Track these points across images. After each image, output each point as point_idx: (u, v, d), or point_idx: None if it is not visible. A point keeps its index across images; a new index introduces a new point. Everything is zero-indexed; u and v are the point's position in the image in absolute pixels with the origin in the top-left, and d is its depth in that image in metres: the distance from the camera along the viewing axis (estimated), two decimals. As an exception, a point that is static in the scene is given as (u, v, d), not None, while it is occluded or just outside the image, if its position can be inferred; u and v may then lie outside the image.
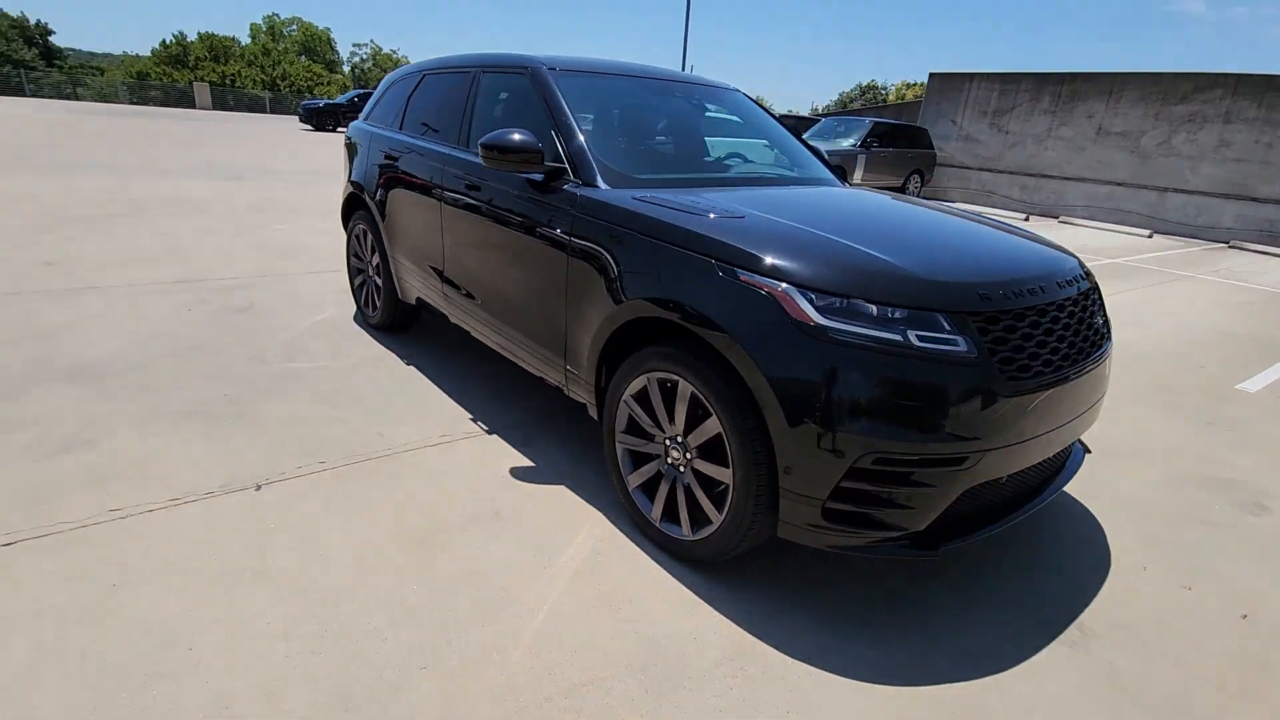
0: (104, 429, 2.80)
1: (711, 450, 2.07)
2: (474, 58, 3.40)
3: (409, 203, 3.54)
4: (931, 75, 17.04)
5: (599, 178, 2.52)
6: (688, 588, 2.15)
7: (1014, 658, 1.96)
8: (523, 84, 2.96)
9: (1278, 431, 3.75)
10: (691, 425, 2.12)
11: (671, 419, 2.18)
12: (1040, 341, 1.97)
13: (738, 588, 2.16)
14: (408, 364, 3.75)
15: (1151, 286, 7.79)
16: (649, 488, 2.34)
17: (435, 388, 3.49)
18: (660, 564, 2.25)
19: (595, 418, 2.54)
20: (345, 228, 4.40)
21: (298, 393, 3.29)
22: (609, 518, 2.48)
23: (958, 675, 1.88)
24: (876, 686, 1.82)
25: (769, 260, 1.91)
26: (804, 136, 14.48)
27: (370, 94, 7.14)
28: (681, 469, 2.20)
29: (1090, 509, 2.80)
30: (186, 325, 4.05)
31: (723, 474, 2.03)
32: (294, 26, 65.91)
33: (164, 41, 53.53)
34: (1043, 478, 2.28)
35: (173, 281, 4.89)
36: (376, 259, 3.98)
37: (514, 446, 2.96)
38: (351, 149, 4.27)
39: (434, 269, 3.40)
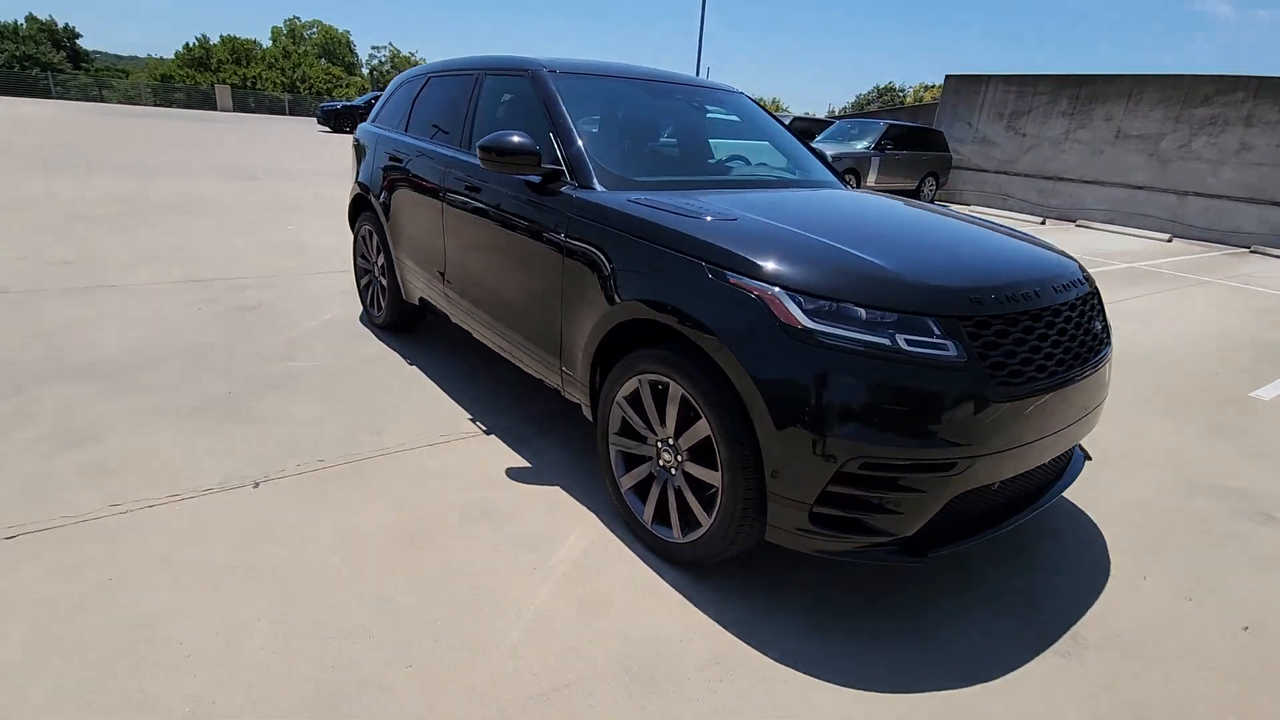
0: (109, 425, 2.85)
1: (701, 453, 2.07)
2: (477, 60, 3.42)
3: (412, 204, 3.56)
4: (948, 77, 16.90)
5: (595, 180, 2.53)
6: (677, 590, 2.15)
7: (1004, 666, 1.94)
8: (524, 86, 2.97)
9: (1291, 440, 3.68)
10: (682, 428, 2.12)
11: (663, 421, 2.18)
12: (1034, 347, 1.95)
13: (727, 591, 2.16)
14: (410, 364, 3.78)
15: (1167, 292, 7.67)
16: (641, 489, 2.34)
17: (437, 388, 3.51)
18: (651, 566, 2.25)
19: (590, 419, 2.55)
20: (352, 228, 4.44)
21: (300, 391, 3.32)
22: (602, 519, 2.48)
23: (945, 683, 1.86)
24: (862, 692, 1.80)
25: (758, 263, 1.91)
26: (817, 139, 14.50)
27: (382, 96, 7.19)
28: (673, 471, 2.20)
29: (1093, 516, 2.76)
30: (195, 324, 4.11)
31: (712, 477, 2.03)
32: (314, 29, 66.71)
33: (187, 45, 54.42)
34: (1039, 483, 2.25)
35: (184, 280, 4.96)
36: (382, 259, 4.01)
37: (511, 447, 2.97)
38: (359, 150, 4.32)
39: (436, 269, 3.42)
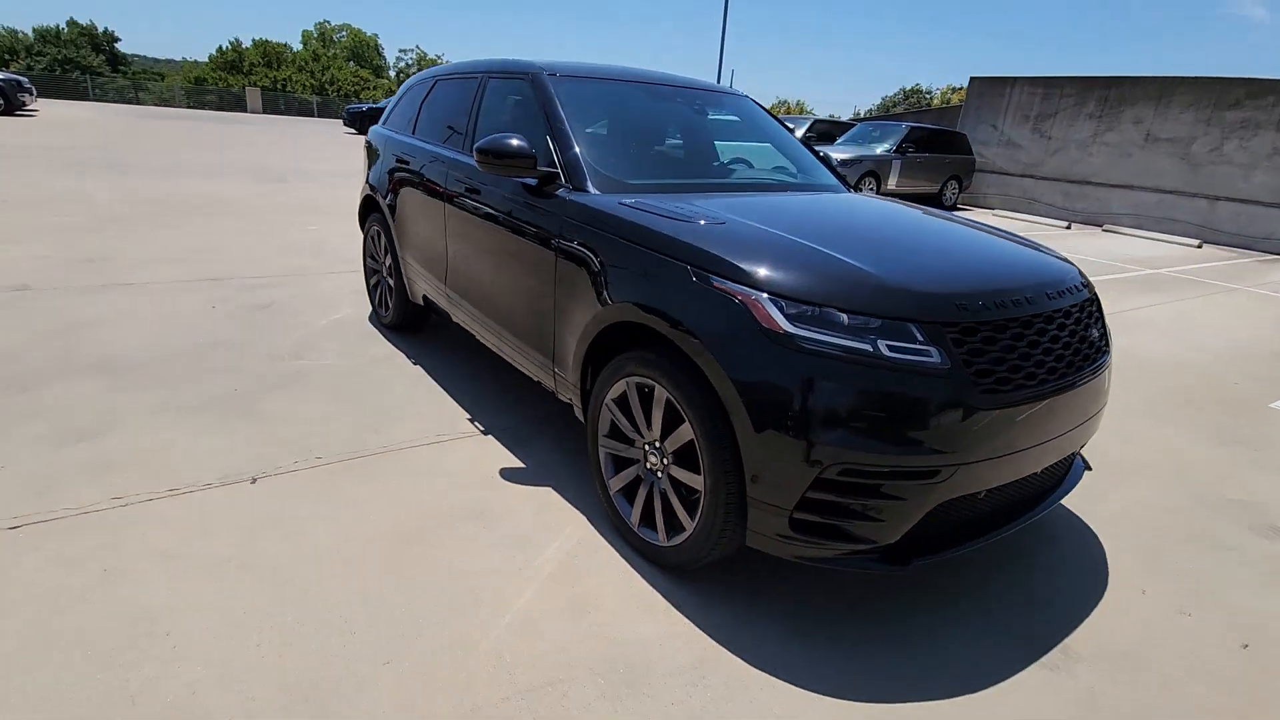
0: (116, 420, 2.92)
1: (685, 457, 2.07)
2: (482, 63, 3.45)
3: (416, 205, 3.61)
4: (972, 79, 16.68)
5: (589, 183, 2.54)
6: (661, 593, 2.15)
7: (990, 678, 1.91)
8: (525, 89, 3.00)
9: (1310, 453, 3.57)
10: (667, 431, 2.12)
11: (649, 424, 2.18)
12: (1023, 354, 1.92)
13: (711, 595, 2.15)
14: (414, 363, 3.82)
15: (1193, 299, 7.48)
16: (629, 492, 2.34)
17: (439, 388, 3.54)
18: (636, 569, 2.25)
19: (582, 421, 2.56)
20: (362, 229, 4.51)
21: (305, 389, 3.37)
22: (591, 521, 2.49)
23: (928, 693, 1.84)
24: (840, 701, 1.79)
25: (741, 267, 1.90)
26: (838, 141, 14.39)
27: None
28: (659, 474, 2.20)
29: (1094, 526, 2.71)
30: (208, 322, 4.20)
31: (695, 480, 2.02)
32: (344, 33, 67.76)
33: (220, 48, 55.55)
34: (1034, 491, 2.22)
35: (201, 279, 5.07)
36: (389, 260, 4.07)
37: (508, 448, 2.99)
38: (370, 152, 4.38)
39: (438, 270, 3.46)
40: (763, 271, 1.88)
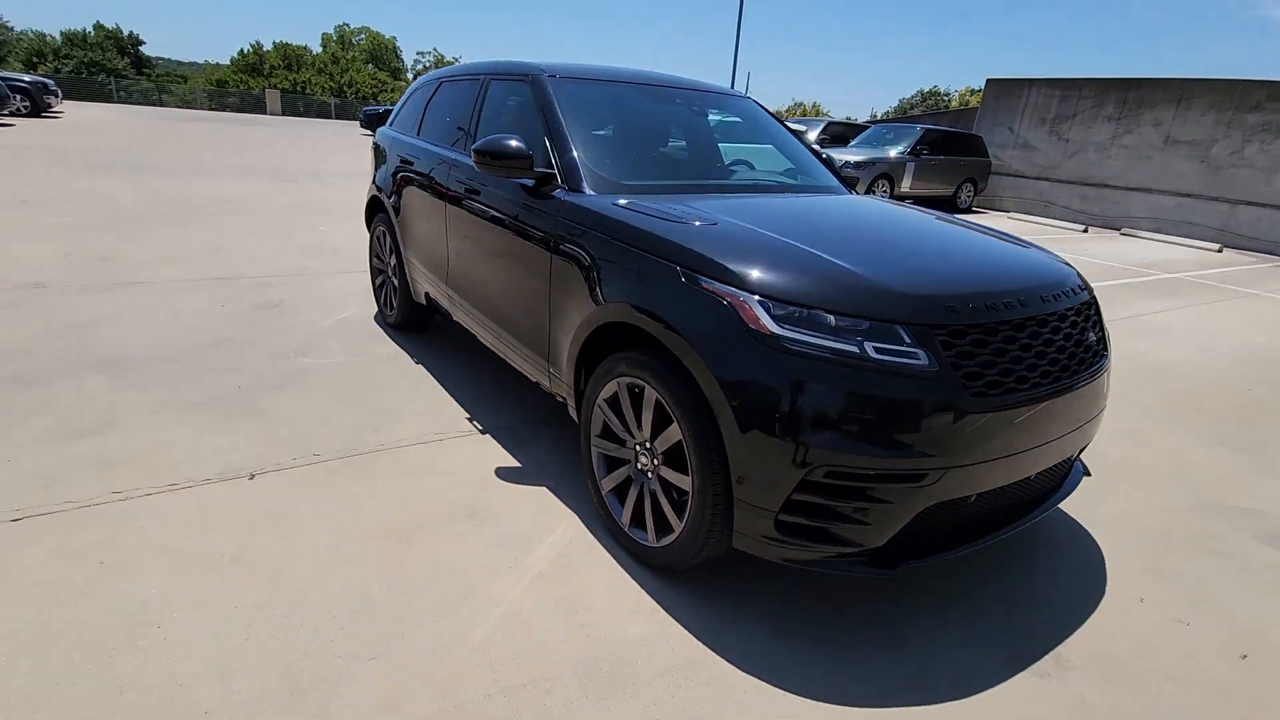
0: (120, 417, 2.97)
1: (674, 457, 2.06)
2: (485, 65, 3.48)
3: (419, 205, 3.64)
4: (988, 81, 16.54)
5: (585, 184, 2.55)
6: (649, 594, 2.15)
7: (977, 684, 1.89)
8: (525, 91, 3.01)
9: (1322, 461, 3.50)
10: (657, 431, 2.12)
11: (640, 425, 2.18)
12: (1015, 357, 1.90)
13: (700, 596, 2.15)
14: (417, 363, 3.85)
15: (1210, 304, 7.36)
16: (620, 492, 2.35)
17: (440, 387, 3.57)
18: (626, 569, 2.25)
19: (577, 421, 2.57)
20: (369, 229, 4.55)
21: (307, 388, 3.41)
22: (584, 521, 2.49)
23: (913, 698, 1.82)
24: (823, 705, 1.78)
25: (730, 268, 1.90)
26: (852, 143, 14.31)
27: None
28: (649, 475, 2.20)
29: (1097, 532, 2.68)
30: (216, 320, 4.25)
31: (684, 481, 2.02)
32: (362, 36, 68.39)
33: (242, 51, 56.26)
34: (1028, 496, 2.19)
35: (211, 279, 5.14)
36: (394, 260, 4.10)
37: (505, 447, 3.00)
38: (378, 154, 4.42)
39: (439, 269, 3.48)
40: (751, 272, 1.88)
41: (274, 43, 56.36)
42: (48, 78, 23.23)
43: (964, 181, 14.69)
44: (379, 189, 4.15)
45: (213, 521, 2.33)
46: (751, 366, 1.79)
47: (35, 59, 52.09)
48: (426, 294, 3.78)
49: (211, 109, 41.63)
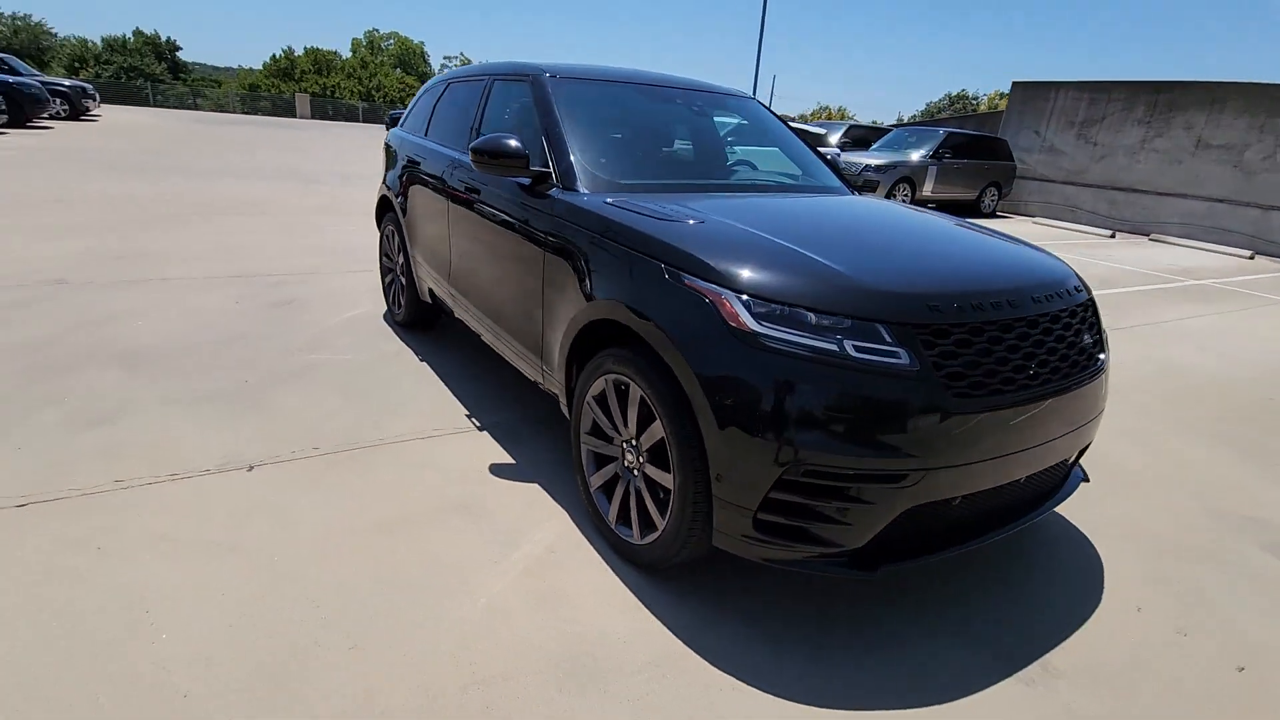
0: (130, 408, 3.04)
1: (658, 455, 2.07)
2: (489, 67, 3.52)
3: (424, 204, 3.69)
4: (1015, 84, 16.29)
5: (580, 183, 2.56)
6: (633, 591, 2.15)
7: (959, 690, 1.86)
8: (526, 91, 3.04)
9: (1343, 473, 3.39)
10: (642, 428, 2.12)
11: (625, 422, 2.19)
12: (1001, 358, 1.87)
13: (684, 595, 2.14)
14: (422, 360, 3.89)
15: (1238, 311, 7.17)
16: (608, 489, 2.35)
17: (442, 384, 3.60)
18: (611, 566, 2.26)
19: (568, 417, 2.58)
20: (379, 228, 4.62)
21: (312, 383, 3.47)
22: (573, 518, 2.50)
23: (891, 702, 1.80)
24: (798, 706, 1.76)
25: (712, 264, 1.90)
26: (873, 147, 14.18)
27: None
28: (635, 472, 2.20)
29: (1099, 539, 2.62)
30: (231, 317, 4.34)
31: (666, 479, 2.02)
32: (391, 41, 69.41)
33: (274, 56, 57.46)
34: (1021, 500, 2.15)
35: (229, 276, 5.24)
36: (402, 258, 4.16)
37: (501, 444, 3.02)
38: (389, 154, 4.49)
39: (442, 267, 3.53)
40: (732, 269, 1.87)
41: (305, 48, 57.45)
42: (87, 82, 23.89)
43: (988, 186, 14.48)
44: (388, 189, 4.22)
45: (210, 511, 2.38)
46: (731, 363, 1.78)
47: (77, 64, 53.67)
48: (431, 292, 3.82)
49: (244, 112, 42.52)
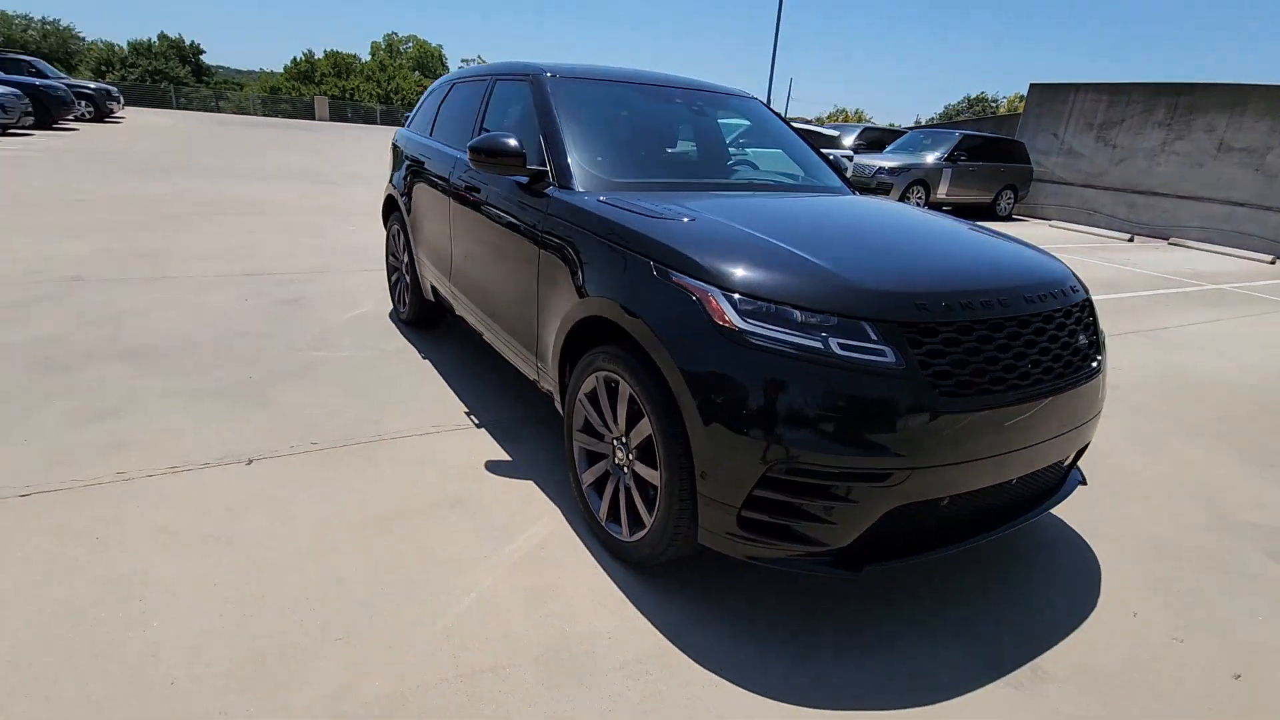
0: (135, 402, 3.09)
1: (646, 452, 2.07)
2: (492, 67, 3.54)
3: (427, 203, 3.72)
4: (1032, 86, 16.12)
5: (575, 181, 2.57)
6: (621, 588, 2.15)
7: (946, 692, 1.84)
8: (525, 91, 3.06)
9: (1356, 480, 3.32)
10: (631, 426, 2.12)
11: (615, 419, 2.19)
12: (991, 357, 1.85)
13: (671, 592, 2.14)
14: (424, 358, 3.92)
15: (1256, 316, 7.04)
16: (600, 486, 2.36)
17: (443, 382, 3.63)
18: (601, 563, 2.26)
19: (562, 414, 2.59)
20: (386, 228, 4.66)
21: (315, 379, 3.50)
22: (566, 515, 2.51)
23: (874, 702, 1.79)
24: (780, 704, 1.76)
25: (699, 262, 1.90)
26: (887, 149, 14.08)
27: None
28: (625, 470, 2.20)
29: (1099, 542, 2.59)
30: (239, 314, 4.40)
31: (654, 476, 2.02)
32: (410, 44, 69.98)
33: (294, 59, 58.17)
34: (1014, 502, 2.13)
35: (239, 274, 5.32)
36: (407, 257, 4.19)
37: (498, 441, 3.04)
38: (396, 154, 4.53)
39: (444, 265, 3.55)
40: (720, 267, 1.87)
41: (325, 51, 58.06)
42: (111, 85, 24.31)
43: (1004, 188, 14.34)
44: (394, 188, 4.26)
45: (208, 504, 2.41)
46: (716, 360, 1.78)
47: (104, 67, 54.69)
48: (434, 290, 3.85)
49: (265, 115, 43.07)
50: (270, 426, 2.98)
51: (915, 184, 12.85)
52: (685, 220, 2.20)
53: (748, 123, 3.49)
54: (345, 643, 1.84)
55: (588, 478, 2.39)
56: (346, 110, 45.33)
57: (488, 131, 3.28)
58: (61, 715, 1.57)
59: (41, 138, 14.44)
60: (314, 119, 40.87)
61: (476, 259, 3.16)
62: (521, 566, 2.22)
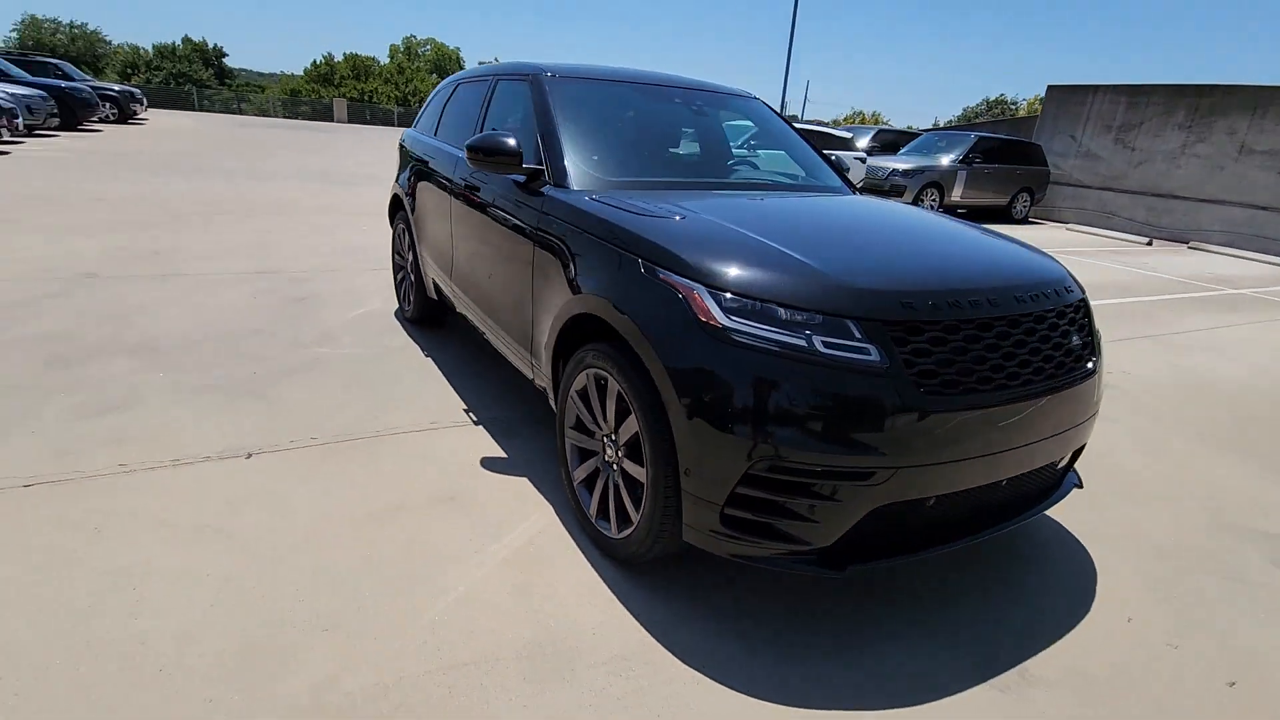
0: (141, 396, 3.15)
1: (634, 449, 2.07)
2: (495, 67, 3.57)
3: (430, 202, 3.75)
4: (1050, 88, 15.96)
5: (570, 179, 2.59)
6: (609, 585, 2.15)
7: (931, 693, 1.83)
8: (526, 90, 3.08)
9: (1368, 487, 3.25)
10: (619, 423, 2.13)
11: (605, 416, 2.20)
12: (978, 356, 1.84)
13: (658, 589, 2.14)
14: (427, 356, 3.96)
15: (1275, 321, 6.92)
16: (590, 483, 2.36)
17: (444, 379, 3.66)
18: (590, 560, 2.27)
19: (555, 411, 2.60)
20: (392, 227, 4.71)
21: (317, 376, 3.54)
22: (558, 512, 2.52)
23: (858, 702, 1.78)
24: (763, 703, 1.75)
25: (685, 259, 1.91)
26: (901, 151, 13.99)
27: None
28: (614, 466, 2.21)
29: (1098, 546, 2.56)
30: (247, 312, 4.46)
31: (640, 473, 2.03)
32: (428, 47, 70.56)
33: (314, 62, 58.80)
34: (1006, 503, 2.11)
35: (249, 272, 5.39)
36: (412, 255, 4.23)
37: (495, 438, 3.06)
38: (403, 155, 4.57)
39: (445, 264, 3.58)
40: (705, 264, 1.88)
41: (344, 54, 58.66)
42: (136, 87, 24.76)
43: (1019, 191, 14.19)
44: (400, 188, 4.30)
45: (206, 496, 2.45)
46: (700, 357, 1.79)
47: (130, 70, 55.64)
48: (437, 287, 3.89)
49: (285, 117, 43.62)
50: (271, 422, 3.02)
51: (929, 186, 12.75)
52: (676, 219, 2.21)
53: (752, 124, 3.48)
54: (333, 634, 1.86)
55: (579, 474, 2.40)
56: (365, 112, 45.80)
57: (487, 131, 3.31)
58: (49, 703, 1.60)
59: (66, 139, 14.72)
60: (333, 121, 41.32)
61: (476, 257, 3.18)
62: (510, 562, 2.23)
